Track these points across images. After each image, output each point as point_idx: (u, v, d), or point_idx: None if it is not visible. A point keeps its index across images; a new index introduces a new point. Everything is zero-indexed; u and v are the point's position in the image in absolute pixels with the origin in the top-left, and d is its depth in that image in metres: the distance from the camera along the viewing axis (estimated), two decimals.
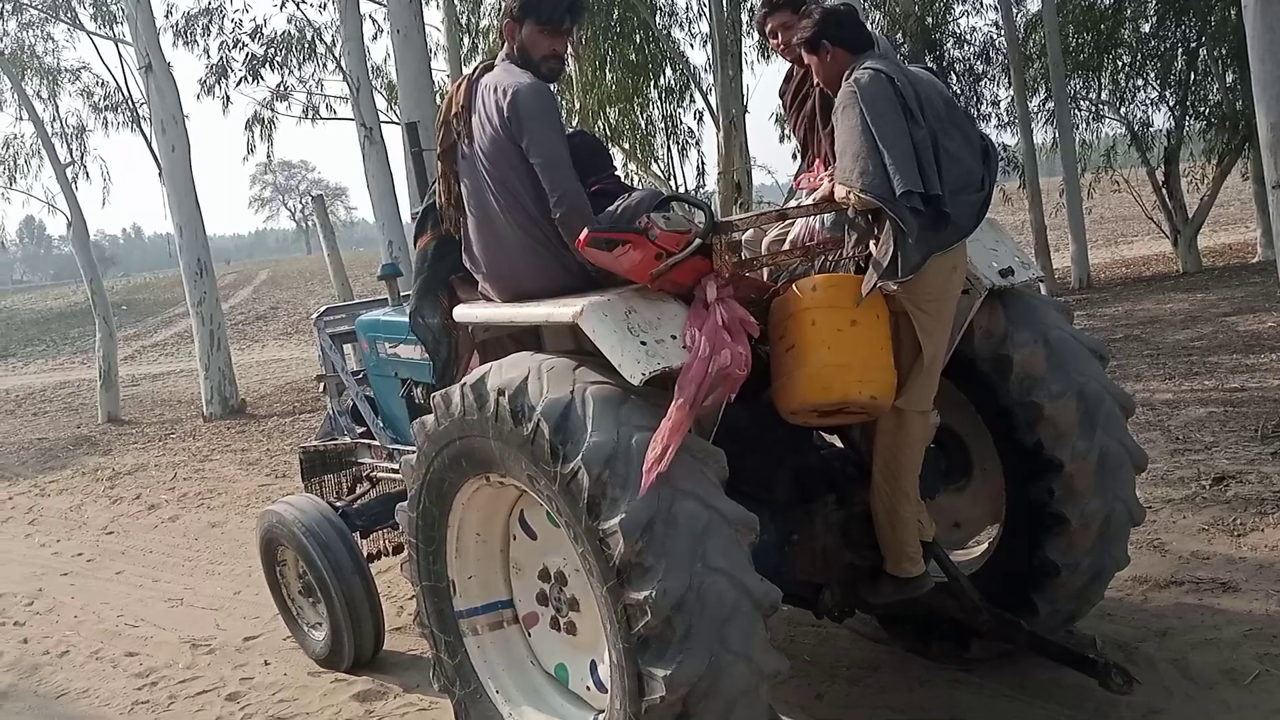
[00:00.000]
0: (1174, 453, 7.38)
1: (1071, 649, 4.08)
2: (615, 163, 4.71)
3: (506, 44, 4.04)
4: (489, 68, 4.05)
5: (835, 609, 4.48)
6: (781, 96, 4.67)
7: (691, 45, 25.94)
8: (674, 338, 3.48)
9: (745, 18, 19.66)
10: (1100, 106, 20.66)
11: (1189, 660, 4.46)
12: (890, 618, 4.81)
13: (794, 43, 4.05)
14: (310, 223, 78.21)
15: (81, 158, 22.04)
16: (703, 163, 22.88)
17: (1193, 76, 19.34)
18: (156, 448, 13.76)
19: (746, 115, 18.80)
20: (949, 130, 3.72)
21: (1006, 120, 20.96)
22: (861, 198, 3.60)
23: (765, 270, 4.07)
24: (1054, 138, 19.67)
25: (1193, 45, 19.01)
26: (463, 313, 4.22)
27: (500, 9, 20.03)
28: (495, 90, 3.86)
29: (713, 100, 19.31)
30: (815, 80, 4.14)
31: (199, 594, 7.28)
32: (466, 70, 4.82)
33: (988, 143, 3.92)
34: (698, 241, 3.54)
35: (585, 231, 3.55)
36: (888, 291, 3.70)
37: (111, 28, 20.08)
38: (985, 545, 4.74)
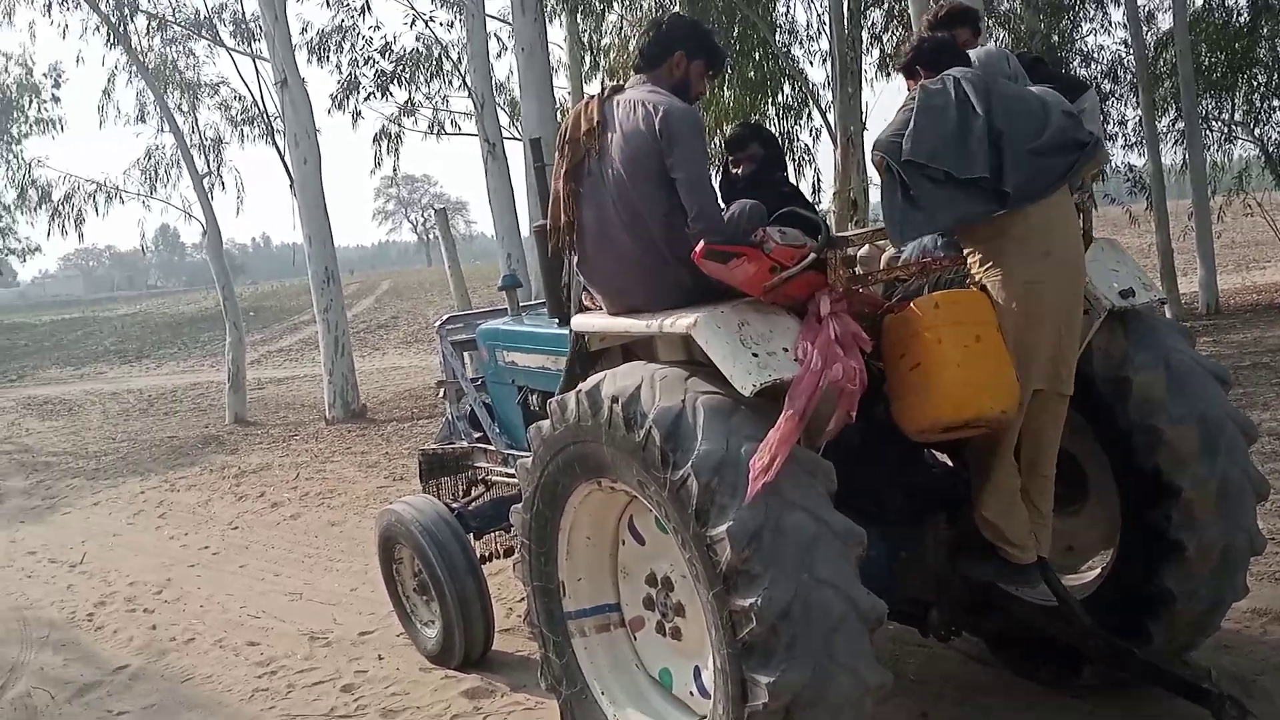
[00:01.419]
0: None
1: (1186, 679, 3.98)
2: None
3: (660, 70, 4.10)
4: (618, 89, 4.13)
5: (942, 628, 4.46)
6: None
7: (810, 63, 25.80)
8: (786, 350, 3.53)
9: (865, 35, 19.52)
10: (1233, 127, 20.00)
11: None
12: (999, 640, 4.76)
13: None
14: (431, 235, 79.89)
15: (218, 169, 22.87)
16: (819, 179, 22.78)
17: None
18: (280, 448, 14.19)
19: (865, 133, 18.65)
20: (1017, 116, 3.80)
21: (1134, 140, 20.48)
22: (874, 156, 3.84)
23: (879, 286, 4.09)
24: (1183, 159, 19.06)
25: None
26: (580, 322, 4.32)
27: (620, 28, 20.37)
28: (642, 106, 3.92)
29: (830, 118, 19.18)
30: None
31: (318, 589, 7.53)
32: (591, 90, 4.97)
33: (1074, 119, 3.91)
34: (812, 256, 3.59)
35: (702, 243, 3.62)
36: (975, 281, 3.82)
37: (249, 45, 20.91)
38: (1098, 570, 4.66)
